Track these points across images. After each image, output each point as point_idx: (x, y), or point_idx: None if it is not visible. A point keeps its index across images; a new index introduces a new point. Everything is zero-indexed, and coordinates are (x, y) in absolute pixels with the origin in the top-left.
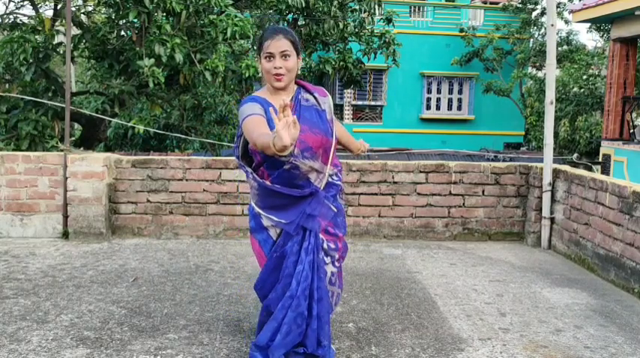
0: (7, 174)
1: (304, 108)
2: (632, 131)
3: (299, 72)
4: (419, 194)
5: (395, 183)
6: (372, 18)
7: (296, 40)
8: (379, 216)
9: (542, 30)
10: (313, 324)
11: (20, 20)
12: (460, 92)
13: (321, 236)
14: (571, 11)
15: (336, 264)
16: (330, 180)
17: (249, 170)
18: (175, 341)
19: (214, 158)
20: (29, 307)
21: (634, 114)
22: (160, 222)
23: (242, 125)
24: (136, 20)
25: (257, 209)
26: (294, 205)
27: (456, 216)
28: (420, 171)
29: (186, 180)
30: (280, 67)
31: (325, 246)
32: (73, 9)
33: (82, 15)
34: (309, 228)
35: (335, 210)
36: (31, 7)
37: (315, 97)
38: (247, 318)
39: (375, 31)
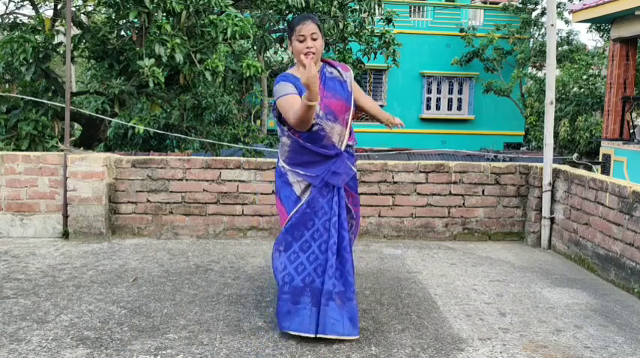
0: (7, 174)
1: (329, 78)
2: (632, 131)
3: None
4: (419, 194)
5: (395, 183)
6: (372, 18)
7: (319, 24)
8: (379, 216)
9: (542, 30)
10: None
11: (20, 20)
12: (460, 92)
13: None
14: (571, 11)
15: (353, 215)
16: (348, 149)
17: (286, 128)
18: (175, 341)
19: (214, 158)
20: (29, 307)
21: (634, 114)
22: (160, 222)
23: (277, 103)
24: (136, 20)
25: (285, 167)
26: (321, 163)
27: (456, 216)
28: (420, 171)
29: (186, 180)
30: (311, 47)
31: (345, 201)
32: (73, 9)
33: (82, 15)
34: (332, 183)
35: (355, 169)
36: (31, 7)
37: (338, 71)
38: (247, 318)
39: (375, 31)
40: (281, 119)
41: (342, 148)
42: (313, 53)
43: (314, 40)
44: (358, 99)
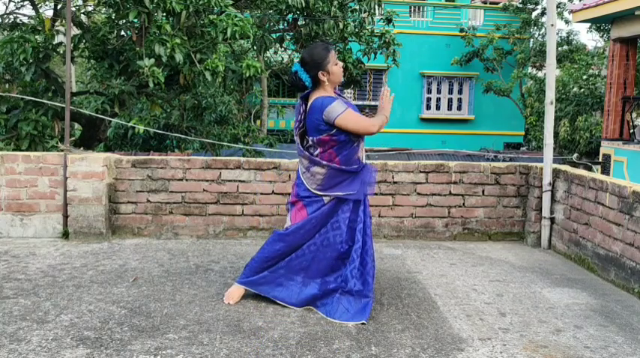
0: (7, 174)
1: (345, 100)
2: (632, 131)
3: None
4: (419, 194)
5: (395, 183)
6: (372, 18)
7: None
8: (379, 216)
9: (542, 30)
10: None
11: (20, 20)
12: (460, 92)
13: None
14: (571, 11)
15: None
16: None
17: (325, 162)
18: (175, 341)
19: (214, 158)
20: (29, 307)
21: (634, 114)
22: (160, 222)
23: (340, 118)
24: (136, 20)
25: (317, 193)
26: (353, 179)
27: (456, 216)
28: (420, 171)
29: (186, 180)
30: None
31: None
32: (73, 9)
33: (82, 15)
34: (367, 193)
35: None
36: (31, 7)
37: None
38: (247, 318)
39: (375, 31)
40: (321, 147)
41: (364, 161)
42: (341, 77)
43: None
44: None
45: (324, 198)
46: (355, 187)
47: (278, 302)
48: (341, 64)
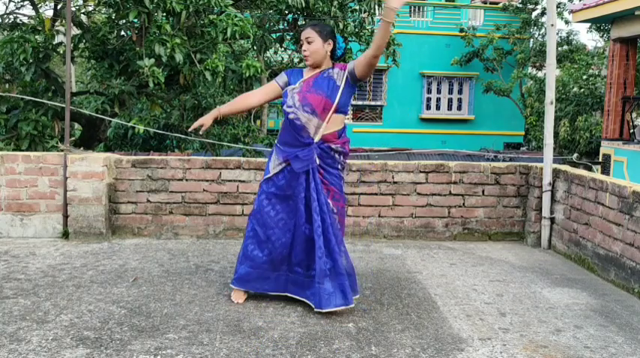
0: (7, 174)
1: (322, 78)
2: (632, 131)
3: (328, 53)
4: (419, 194)
5: (395, 183)
6: (372, 18)
7: (323, 29)
8: (379, 216)
9: (542, 30)
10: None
11: (20, 20)
12: (460, 92)
13: (324, 189)
14: (571, 11)
15: (334, 209)
16: (331, 146)
17: (286, 107)
18: (175, 341)
19: (214, 158)
20: (29, 307)
21: (634, 114)
22: (160, 222)
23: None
24: (136, 20)
25: (275, 146)
26: (294, 147)
27: (456, 216)
28: (420, 171)
29: (186, 180)
30: (305, 50)
31: (327, 192)
32: (73, 9)
33: (82, 15)
34: (293, 165)
35: (318, 163)
36: (31, 7)
37: (334, 71)
38: (247, 318)
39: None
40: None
41: (316, 140)
42: (307, 56)
43: (309, 43)
44: (366, 61)
45: (270, 161)
46: (288, 151)
47: (277, 294)
48: (305, 47)
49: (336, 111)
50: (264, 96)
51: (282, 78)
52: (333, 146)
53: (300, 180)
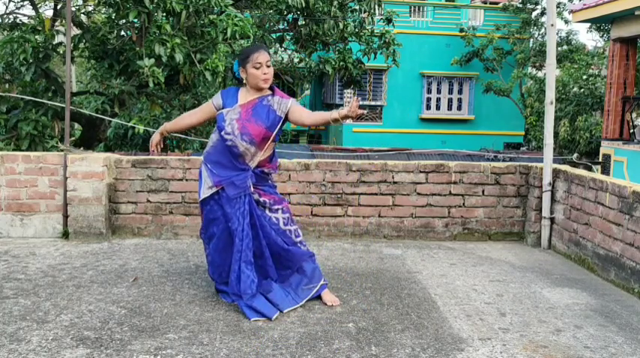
0: (7, 174)
1: (261, 106)
2: (632, 131)
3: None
4: (419, 194)
5: (395, 183)
6: (372, 18)
7: (270, 53)
8: (379, 216)
9: (542, 30)
10: (267, 263)
11: (20, 20)
12: (460, 92)
13: (260, 199)
14: (571, 11)
15: (285, 211)
16: (264, 170)
17: (223, 128)
18: (175, 341)
19: None
20: (29, 307)
21: (634, 114)
22: (160, 222)
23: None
24: (136, 20)
25: (204, 163)
26: (228, 170)
27: (456, 216)
28: (420, 171)
29: (186, 180)
30: (267, 73)
31: (266, 204)
32: (73, 9)
33: (82, 15)
34: (227, 191)
35: (251, 188)
36: (31, 7)
37: (274, 100)
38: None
39: (375, 31)
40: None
41: (252, 166)
42: (269, 79)
43: (268, 67)
44: (300, 119)
45: (202, 182)
46: (222, 174)
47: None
48: (266, 71)
49: (273, 140)
50: (202, 115)
51: (217, 99)
52: (265, 170)
53: (234, 206)
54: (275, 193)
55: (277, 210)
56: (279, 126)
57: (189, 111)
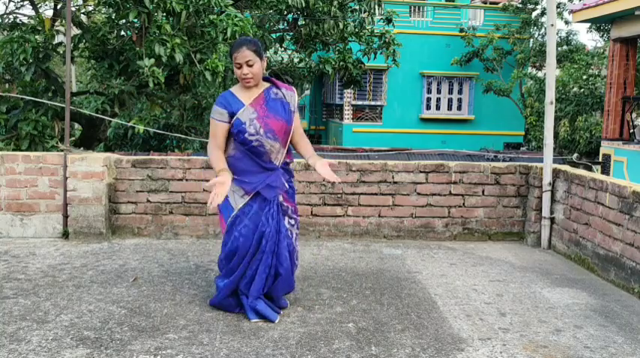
0: (7, 174)
1: (272, 100)
2: (632, 131)
3: (265, 72)
4: (419, 194)
5: (395, 183)
6: (372, 18)
7: (258, 48)
8: (379, 216)
9: (542, 30)
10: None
11: (20, 20)
12: (460, 92)
13: (284, 204)
14: (571, 11)
15: (296, 225)
16: (284, 165)
17: (233, 138)
18: (175, 341)
19: None
20: (29, 307)
21: (634, 114)
22: (160, 222)
23: (211, 119)
24: (136, 20)
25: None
26: (257, 174)
27: (456, 216)
28: (420, 171)
29: (186, 180)
30: (247, 74)
31: (287, 211)
32: (73, 9)
33: (82, 15)
34: (265, 195)
35: (288, 185)
36: (31, 7)
37: (282, 92)
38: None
39: (375, 31)
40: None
41: (279, 164)
42: (250, 78)
43: (249, 66)
44: (294, 132)
45: (229, 196)
46: (253, 180)
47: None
48: (246, 71)
49: (291, 134)
50: (223, 139)
51: (223, 114)
52: (287, 161)
53: (264, 208)
54: (294, 201)
55: (293, 219)
56: (294, 120)
57: (214, 148)
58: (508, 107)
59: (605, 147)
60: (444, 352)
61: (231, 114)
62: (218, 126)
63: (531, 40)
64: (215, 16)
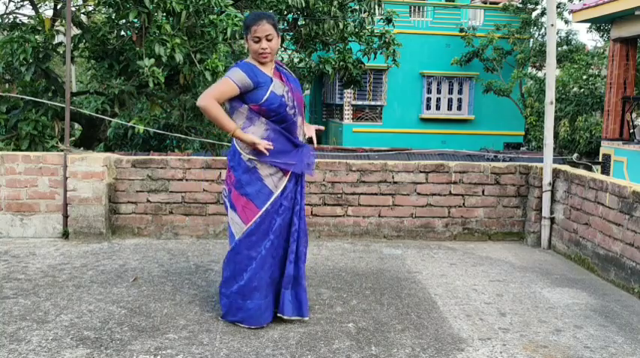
0: (7, 174)
1: (287, 74)
2: (632, 131)
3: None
4: (419, 194)
5: (395, 183)
6: (372, 18)
7: (276, 23)
8: (379, 216)
9: (542, 30)
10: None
11: (20, 20)
12: (460, 92)
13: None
14: (571, 11)
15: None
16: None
17: (261, 115)
18: (175, 341)
19: (214, 158)
20: (29, 307)
21: (634, 114)
22: (160, 222)
23: (203, 107)
24: (136, 20)
25: (254, 159)
26: (293, 153)
27: (456, 216)
28: (420, 171)
29: (186, 180)
30: (266, 48)
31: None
32: (73, 9)
33: (82, 15)
34: (308, 173)
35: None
36: (31, 7)
37: (284, 67)
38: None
39: (375, 31)
40: (250, 105)
41: (301, 139)
42: (269, 53)
43: (269, 40)
44: None
45: (266, 181)
46: (294, 160)
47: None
48: (265, 45)
49: None
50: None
51: (244, 81)
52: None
53: (297, 186)
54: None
55: (302, 205)
56: None
57: (217, 105)
58: (508, 107)
59: (605, 147)
60: (444, 352)
61: (252, 86)
62: (232, 88)
63: (531, 40)
64: (215, 16)
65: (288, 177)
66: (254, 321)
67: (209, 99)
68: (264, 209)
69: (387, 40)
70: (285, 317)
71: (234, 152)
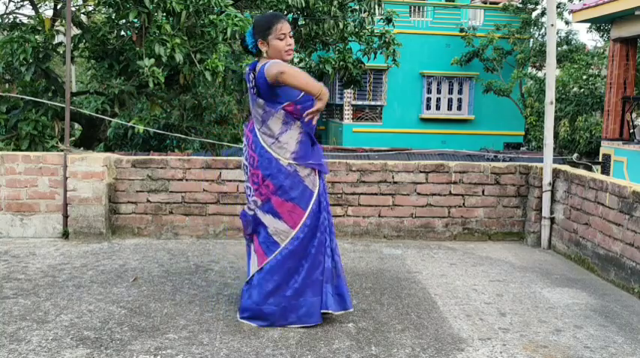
0: (7, 174)
1: None
2: (632, 131)
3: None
4: (419, 194)
5: (395, 183)
6: (372, 18)
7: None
8: (379, 216)
9: (542, 30)
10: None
11: (20, 20)
12: (460, 92)
13: None
14: (571, 11)
15: None
16: None
17: (298, 121)
18: (175, 341)
19: (214, 158)
20: (29, 307)
21: (634, 114)
22: (160, 222)
23: (284, 71)
24: (136, 20)
25: (293, 163)
26: (314, 152)
27: (456, 216)
28: (420, 171)
29: (186, 180)
30: (291, 45)
31: None
32: (73, 9)
33: (82, 15)
34: (324, 171)
35: None
36: (31, 7)
37: None
38: (331, 311)
39: (375, 31)
40: (285, 105)
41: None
42: (293, 50)
43: (291, 37)
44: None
45: (306, 181)
46: (319, 159)
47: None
48: (289, 41)
49: None
50: None
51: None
52: None
53: (322, 183)
54: None
55: (327, 200)
56: None
57: (308, 79)
58: (508, 107)
59: (605, 147)
60: (444, 352)
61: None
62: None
63: (531, 40)
64: (215, 16)
65: (318, 175)
66: (313, 319)
67: (283, 65)
68: (309, 209)
69: (387, 39)
70: (331, 313)
71: (270, 160)
